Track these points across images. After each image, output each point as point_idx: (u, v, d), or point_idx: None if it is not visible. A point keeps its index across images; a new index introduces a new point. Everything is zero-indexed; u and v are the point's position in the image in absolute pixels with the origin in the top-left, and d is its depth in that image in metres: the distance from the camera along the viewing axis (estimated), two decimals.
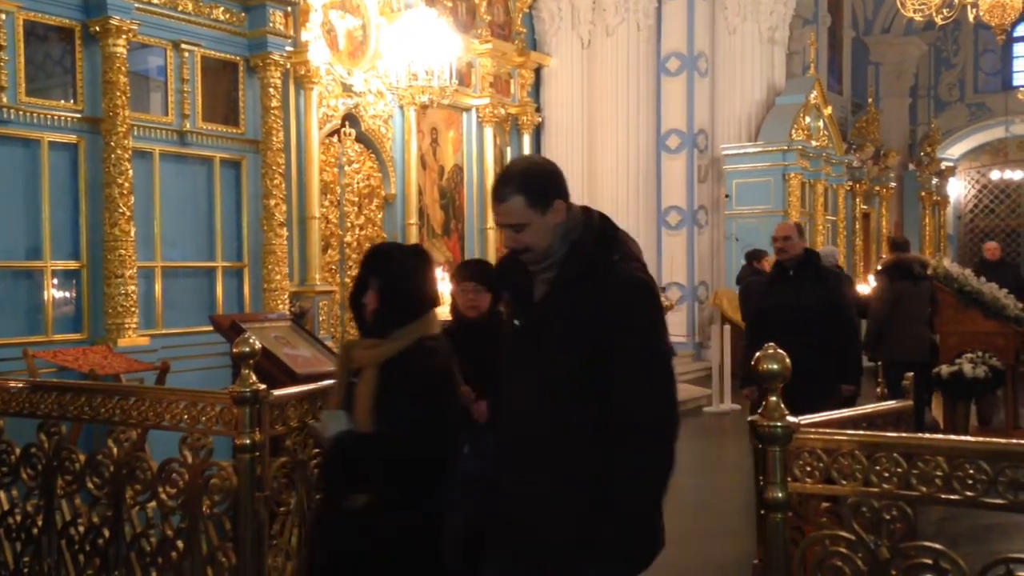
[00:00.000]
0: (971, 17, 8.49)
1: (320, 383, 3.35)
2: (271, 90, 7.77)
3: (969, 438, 2.14)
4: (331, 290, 9.03)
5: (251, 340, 2.98)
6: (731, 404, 9.80)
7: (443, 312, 4.63)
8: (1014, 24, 9.49)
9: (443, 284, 4.93)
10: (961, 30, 18.92)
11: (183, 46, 7.24)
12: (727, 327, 10.65)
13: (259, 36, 7.65)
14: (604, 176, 12.54)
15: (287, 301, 7.88)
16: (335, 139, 9.44)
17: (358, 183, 9.80)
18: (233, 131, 7.68)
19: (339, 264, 9.57)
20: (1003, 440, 2.03)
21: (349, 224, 9.70)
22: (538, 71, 12.58)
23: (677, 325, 12.14)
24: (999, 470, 1.92)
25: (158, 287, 7.20)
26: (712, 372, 10.10)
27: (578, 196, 11.10)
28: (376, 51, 9.54)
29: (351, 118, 9.48)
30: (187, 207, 7.45)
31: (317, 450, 3.18)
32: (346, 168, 9.57)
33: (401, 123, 10.03)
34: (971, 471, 1.95)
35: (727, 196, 12.87)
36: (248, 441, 2.94)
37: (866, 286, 8.48)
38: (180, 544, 3.08)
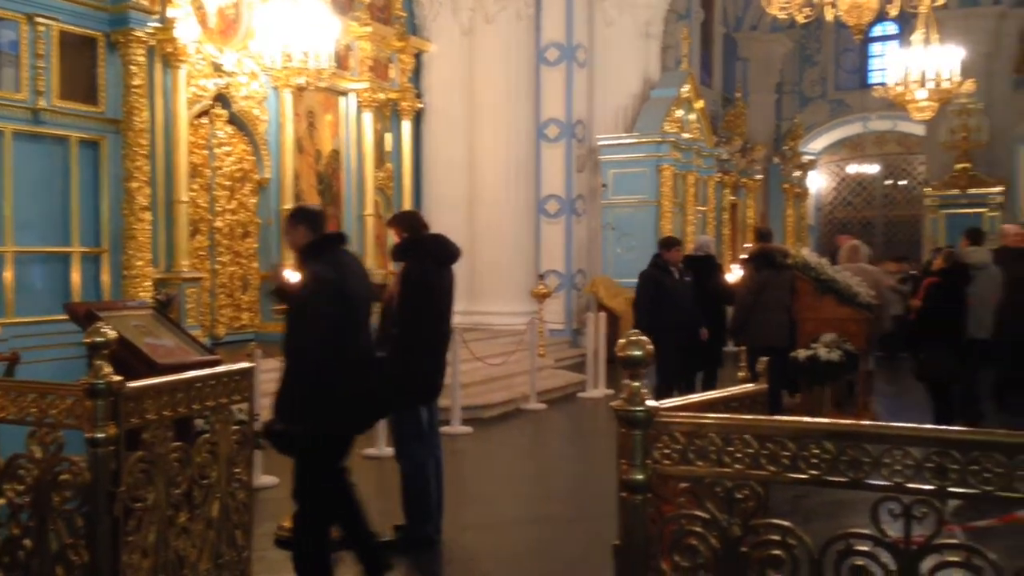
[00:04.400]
0: (829, 17, 8.86)
1: (181, 374, 3.23)
2: (133, 68, 7.42)
3: (815, 419, 2.25)
4: (200, 276, 8.71)
5: (104, 329, 2.85)
6: (605, 389, 10.01)
7: None
8: (871, 25, 9.95)
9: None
10: (824, 29, 19.80)
11: (38, 20, 6.82)
12: (602, 314, 10.88)
13: (121, 11, 7.29)
14: (484, 164, 12.57)
15: (151, 288, 7.56)
16: (205, 120, 9.10)
17: (230, 166, 9.48)
18: (91, 109, 7.29)
19: (208, 250, 9.25)
20: (846, 421, 2.13)
21: (220, 208, 9.38)
22: (419, 56, 12.48)
23: (554, 312, 12.32)
24: (841, 449, 2.02)
25: (8, 273, 6.78)
26: (587, 358, 10.29)
27: (460, 184, 11.12)
28: (248, 30, 9.25)
29: (222, 99, 9.17)
30: (41, 189, 7.04)
31: (177, 443, 3.07)
32: (216, 151, 9.25)
33: (276, 105, 9.77)
34: (816, 451, 2.04)
35: (604, 186, 13.12)
36: (102, 435, 2.81)
37: (731, 275, 8.82)
38: (28, 543, 2.93)
